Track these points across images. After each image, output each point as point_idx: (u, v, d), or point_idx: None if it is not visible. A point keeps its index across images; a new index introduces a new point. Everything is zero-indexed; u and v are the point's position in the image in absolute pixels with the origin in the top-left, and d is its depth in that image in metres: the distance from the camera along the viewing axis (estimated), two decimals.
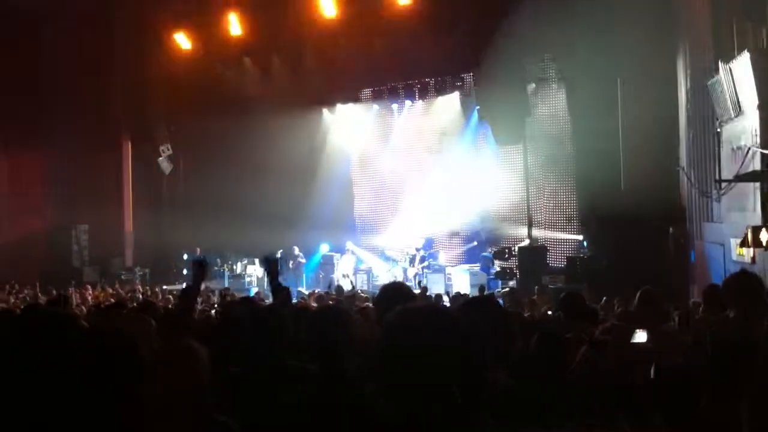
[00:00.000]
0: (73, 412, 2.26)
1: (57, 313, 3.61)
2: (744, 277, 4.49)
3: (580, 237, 19.37)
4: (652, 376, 2.76)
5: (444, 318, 1.65)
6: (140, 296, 16.55)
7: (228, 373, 3.84)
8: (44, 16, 20.91)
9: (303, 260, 22.23)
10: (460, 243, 22.39)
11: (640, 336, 3.43)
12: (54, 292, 17.10)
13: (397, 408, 1.61)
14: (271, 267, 5.56)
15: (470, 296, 13.07)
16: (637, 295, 5.32)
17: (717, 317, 4.82)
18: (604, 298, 10.57)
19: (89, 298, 16.30)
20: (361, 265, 22.55)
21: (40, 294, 16.90)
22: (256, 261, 22.93)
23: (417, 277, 20.04)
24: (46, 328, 2.45)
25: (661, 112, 16.35)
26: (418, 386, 1.57)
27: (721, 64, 12.20)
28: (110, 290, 18.82)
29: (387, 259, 22.43)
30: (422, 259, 20.72)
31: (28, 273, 20.20)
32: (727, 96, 12.11)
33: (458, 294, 14.37)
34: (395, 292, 4.03)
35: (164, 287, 20.11)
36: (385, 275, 21.43)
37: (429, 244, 21.73)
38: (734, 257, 12.13)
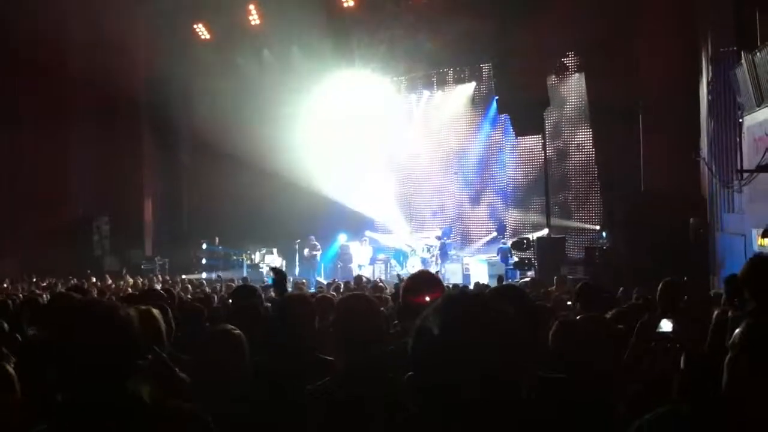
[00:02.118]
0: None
1: (86, 302, 3.67)
2: (763, 263, 4.39)
3: (599, 227, 19.31)
4: (682, 366, 2.75)
5: (497, 313, 1.54)
6: (159, 285, 16.68)
7: (252, 362, 3.85)
8: (67, 10, 20.99)
9: (318, 251, 22.28)
10: (479, 234, 22.40)
11: (665, 325, 3.42)
12: (74, 281, 17.32)
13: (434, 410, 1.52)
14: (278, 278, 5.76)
15: (491, 286, 13.07)
16: (659, 286, 5.30)
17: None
18: (621, 288, 10.52)
19: (111, 286, 16.45)
20: (379, 255, 22.61)
21: (61, 283, 17.06)
22: (275, 251, 23.07)
23: (438, 267, 20.10)
24: (76, 314, 2.48)
25: (681, 102, 16.22)
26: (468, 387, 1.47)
27: (744, 54, 12.09)
28: (130, 280, 18.98)
29: (404, 249, 22.48)
30: (442, 248, 20.79)
31: (49, 263, 20.41)
32: (750, 86, 12.00)
33: (478, 284, 14.36)
34: (424, 280, 4.00)
35: (183, 277, 20.27)
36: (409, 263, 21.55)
37: (447, 233, 21.76)
38: (756, 248, 12.03)
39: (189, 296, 11.52)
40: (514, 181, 21.98)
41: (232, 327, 3.66)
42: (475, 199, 22.75)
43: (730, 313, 5.31)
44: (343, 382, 3.21)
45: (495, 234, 21.47)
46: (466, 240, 22.53)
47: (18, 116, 21.90)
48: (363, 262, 21.97)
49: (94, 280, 17.87)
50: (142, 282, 18.49)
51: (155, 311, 4.12)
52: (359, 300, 3.50)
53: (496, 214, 22.22)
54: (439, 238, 21.11)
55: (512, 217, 21.93)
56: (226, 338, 3.58)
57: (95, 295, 9.20)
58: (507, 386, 1.49)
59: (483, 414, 1.48)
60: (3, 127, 21.78)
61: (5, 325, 5.24)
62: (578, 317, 4.35)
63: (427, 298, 3.80)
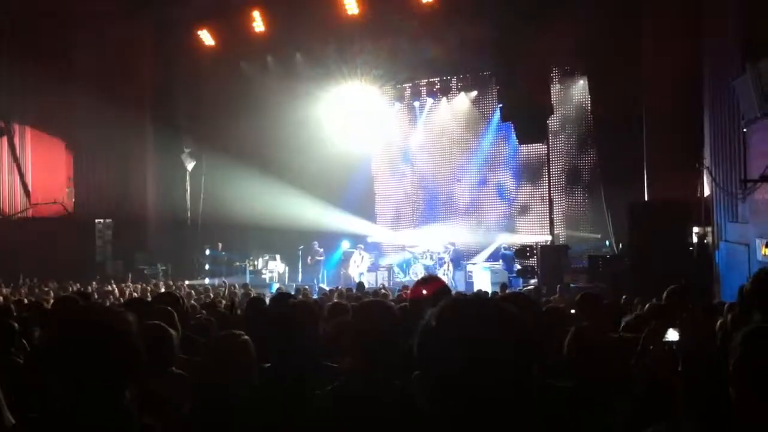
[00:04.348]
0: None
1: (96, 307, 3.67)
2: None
3: (601, 235, 19.30)
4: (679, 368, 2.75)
5: (506, 312, 1.56)
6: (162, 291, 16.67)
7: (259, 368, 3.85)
8: (74, 16, 21.06)
9: (322, 257, 22.31)
10: (483, 242, 22.36)
11: (672, 335, 3.42)
12: (77, 286, 17.31)
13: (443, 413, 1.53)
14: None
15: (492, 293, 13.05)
16: (665, 293, 5.30)
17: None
18: (624, 296, 10.50)
19: (116, 292, 16.45)
20: (381, 263, 22.62)
21: (66, 288, 17.04)
22: (278, 257, 23.09)
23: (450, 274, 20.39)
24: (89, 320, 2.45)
25: (685, 110, 16.22)
26: (474, 392, 1.49)
27: (748, 64, 12.09)
28: (132, 285, 18.96)
29: (407, 256, 22.49)
30: (455, 254, 20.97)
31: (52, 267, 20.37)
32: (754, 95, 12.00)
33: (480, 291, 14.35)
34: (424, 278, 4.00)
35: (186, 282, 20.25)
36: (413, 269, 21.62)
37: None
38: (759, 257, 12.02)
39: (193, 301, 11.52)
40: (516, 188, 22.02)
41: (240, 332, 3.67)
42: (478, 206, 22.78)
43: (729, 318, 5.29)
44: (353, 387, 3.19)
45: (499, 243, 21.45)
46: (471, 249, 22.49)
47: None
48: (362, 269, 21.96)
49: (95, 285, 17.88)
50: (143, 287, 18.47)
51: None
52: (379, 306, 3.48)
53: (501, 222, 22.26)
54: (452, 243, 21.21)
55: (516, 225, 22.00)
56: (232, 342, 3.58)
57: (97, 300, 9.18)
58: (516, 384, 1.51)
59: (490, 413, 1.50)
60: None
61: (16, 326, 5.21)
62: (587, 324, 4.33)
63: (424, 291, 3.82)
